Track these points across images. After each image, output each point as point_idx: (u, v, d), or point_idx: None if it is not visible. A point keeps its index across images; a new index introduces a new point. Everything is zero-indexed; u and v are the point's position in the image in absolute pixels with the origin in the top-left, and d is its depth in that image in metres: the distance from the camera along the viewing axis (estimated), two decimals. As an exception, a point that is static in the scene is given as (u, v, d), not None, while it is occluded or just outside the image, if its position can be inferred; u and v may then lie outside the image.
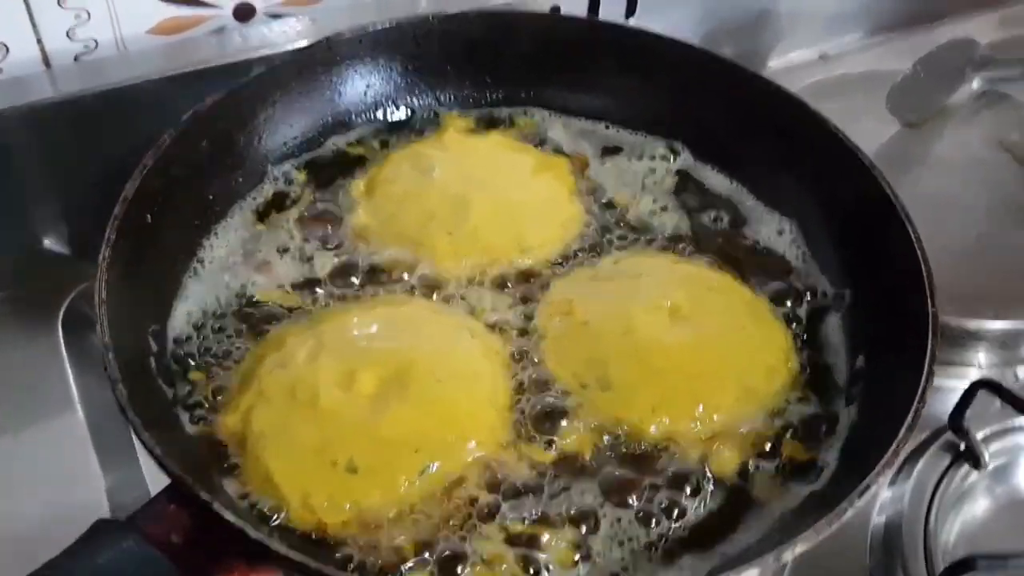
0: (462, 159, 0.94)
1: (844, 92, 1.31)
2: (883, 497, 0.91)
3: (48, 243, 1.02)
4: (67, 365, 0.94)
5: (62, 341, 0.96)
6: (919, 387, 0.68)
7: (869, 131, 1.23)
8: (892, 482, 0.92)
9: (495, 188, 0.92)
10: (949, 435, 0.94)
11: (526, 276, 0.87)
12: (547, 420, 0.76)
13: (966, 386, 0.91)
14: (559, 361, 0.79)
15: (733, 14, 1.32)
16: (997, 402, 0.90)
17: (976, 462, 0.91)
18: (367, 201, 0.91)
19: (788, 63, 1.41)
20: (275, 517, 0.68)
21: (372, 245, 0.88)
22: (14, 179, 0.95)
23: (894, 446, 0.64)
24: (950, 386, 0.96)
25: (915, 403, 0.67)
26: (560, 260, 0.89)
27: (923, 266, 0.77)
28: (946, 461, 0.93)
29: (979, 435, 0.92)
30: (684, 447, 0.75)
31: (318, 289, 0.84)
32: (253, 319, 0.81)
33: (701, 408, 0.76)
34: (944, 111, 1.29)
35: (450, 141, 0.97)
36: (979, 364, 1.04)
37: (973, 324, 1.01)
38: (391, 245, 0.87)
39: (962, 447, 0.92)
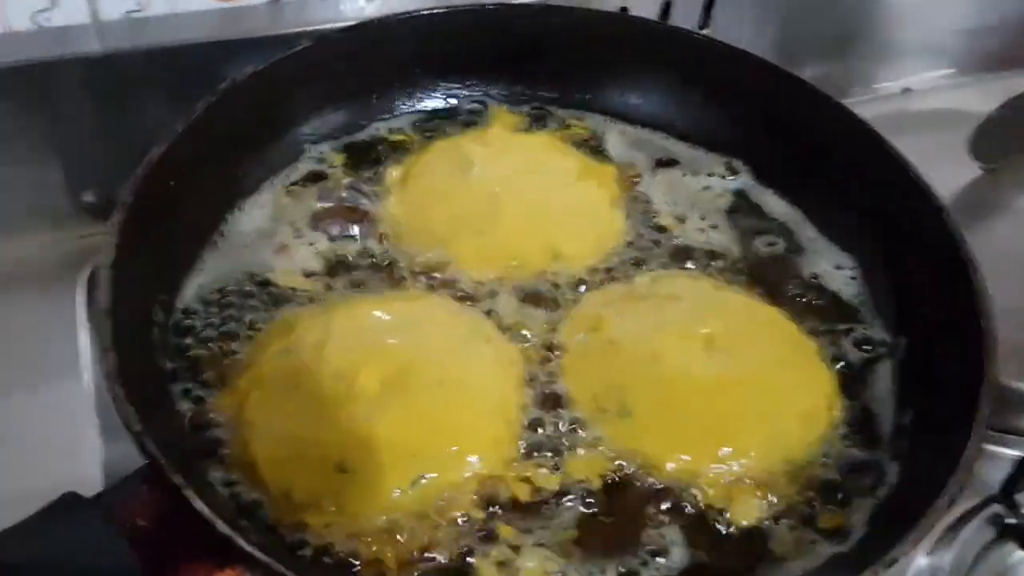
0: (503, 157, 0.90)
1: (924, 129, 1.24)
2: (919, 564, 0.84)
3: (86, 198, 1.00)
4: (80, 330, 0.91)
5: (81, 303, 0.93)
6: (961, 458, 0.61)
7: (946, 172, 1.16)
8: (932, 549, 0.85)
9: (533, 191, 0.87)
10: (998, 506, 0.86)
11: (555, 286, 0.82)
12: (557, 440, 0.71)
13: (1024, 456, 0.84)
14: (579, 379, 0.74)
15: (816, 34, 1.25)
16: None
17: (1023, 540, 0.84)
18: (400, 191, 0.87)
19: (870, 92, 1.33)
20: (256, 511, 0.64)
21: (399, 237, 0.84)
22: (53, 132, 0.94)
23: (926, 518, 0.58)
24: (1008, 455, 0.89)
25: (955, 475, 0.61)
26: (594, 273, 0.83)
27: (987, 325, 0.70)
28: (992, 535, 0.85)
29: (1031, 511, 0.85)
30: (704, 488, 0.69)
31: (337, 277, 0.80)
32: (266, 301, 0.78)
33: (726, 450, 0.70)
34: (1027, 157, 1.20)
35: (494, 137, 0.92)
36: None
37: (1039, 391, 0.93)
38: (418, 239, 0.83)
39: (1010, 521, 0.85)
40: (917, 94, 1.35)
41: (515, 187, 0.87)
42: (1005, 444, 0.93)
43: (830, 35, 1.25)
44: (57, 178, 0.97)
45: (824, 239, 0.88)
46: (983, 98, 1.32)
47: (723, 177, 0.93)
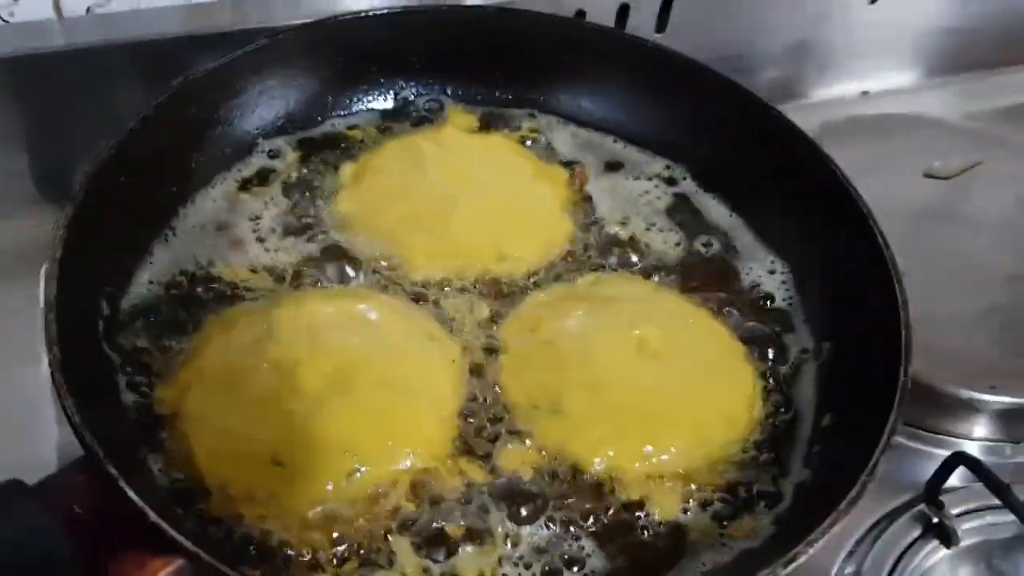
0: (456, 157, 0.92)
1: (881, 133, 1.26)
2: (842, 557, 0.87)
3: (48, 191, 1.02)
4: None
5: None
6: (870, 461, 0.64)
7: (899, 177, 1.20)
8: (856, 544, 0.88)
9: (484, 191, 0.90)
10: (924, 506, 0.89)
11: (500, 285, 0.84)
12: (491, 436, 0.74)
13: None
14: (515, 378, 0.77)
15: (775, 37, 1.27)
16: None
17: (947, 539, 0.87)
18: (353, 188, 0.89)
19: (828, 96, 1.35)
20: (194, 502, 0.67)
21: (349, 233, 0.86)
22: (18, 124, 0.95)
23: (829, 521, 0.61)
24: (938, 455, 0.91)
25: (862, 476, 0.64)
26: (539, 274, 0.86)
27: (903, 333, 0.72)
28: (916, 533, 0.88)
29: (955, 511, 0.88)
30: (626, 484, 0.72)
31: (285, 273, 0.82)
32: (214, 295, 0.80)
33: (649, 448, 0.73)
34: (982, 166, 1.23)
35: (448, 137, 0.94)
36: (973, 437, 0.99)
37: (968, 394, 0.96)
38: (368, 236, 0.86)
39: (934, 520, 0.88)
40: (875, 97, 1.37)
41: (466, 187, 0.90)
42: (936, 445, 0.97)
43: (788, 38, 1.27)
44: (21, 168, 0.99)
45: (760, 244, 0.90)
46: (941, 102, 1.36)
47: (667, 181, 0.95)
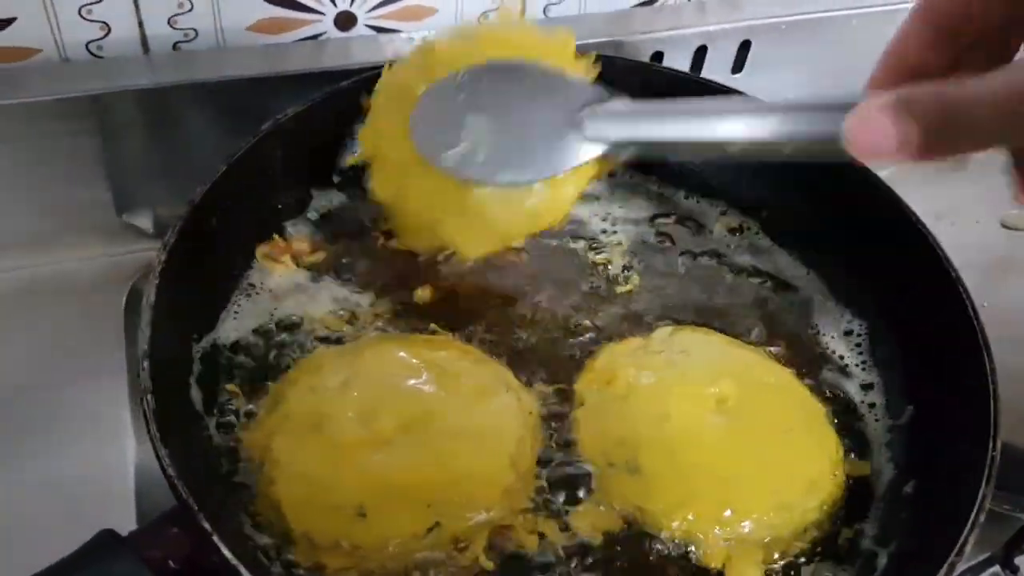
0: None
1: (951, 180, 1.24)
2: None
3: (133, 222, 1.04)
4: (123, 341, 0.95)
5: (123, 317, 0.97)
6: (959, 541, 0.63)
7: (974, 226, 1.17)
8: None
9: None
10: (998, 568, 0.88)
11: (576, 336, 0.85)
12: (567, 494, 0.74)
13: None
14: (590, 434, 0.77)
15: (853, 71, 1.25)
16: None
17: (1020, 604, 0.86)
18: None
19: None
20: (280, 550, 0.68)
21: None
22: (103, 156, 0.98)
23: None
24: (1018, 518, 0.89)
25: (950, 557, 0.63)
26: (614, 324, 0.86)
27: (993, 404, 0.71)
28: (990, 597, 0.87)
29: (1031, 576, 0.87)
30: (704, 550, 0.72)
31: (368, 319, 0.84)
32: (298, 340, 0.81)
33: (729, 513, 0.72)
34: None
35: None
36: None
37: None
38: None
39: (1010, 585, 0.87)
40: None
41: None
42: (1013, 504, 0.94)
43: (866, 78, 1.25)
44: (106, 199, 1.01)
45: (835, 302, 0.90)
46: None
47: (738, 233, 0.95)
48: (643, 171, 0.99)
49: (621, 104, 0.69)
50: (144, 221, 1.03)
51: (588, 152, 0.69)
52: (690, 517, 0.72)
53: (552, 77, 0.72)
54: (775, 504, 0.73)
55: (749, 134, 0.60)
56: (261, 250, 0.86)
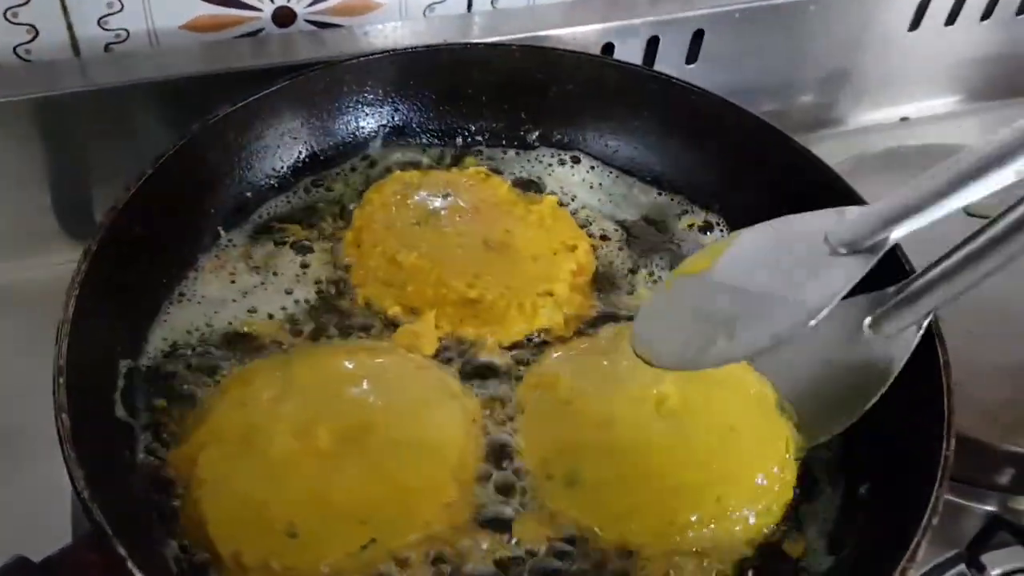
0: (478, 209, 0.89)
1: (921, 162, 1.22)
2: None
3: (71, 227, 1.00)
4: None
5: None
6: (911, 544, 0.61)
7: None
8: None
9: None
10: (964, 567, 0.86)
11: (523, 338, 0.82)
12: (509, 503, 0.71)
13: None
14: (531, 441, 0.74)
15: (811, 64, 1.23)
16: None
17: (987, 603, 0.84)
18: (366, 235, 0.86)
19: (867, 122, 1.31)
20: (205, 572, 0.65)
21: (369, 286, 0.83)
22: (39, 162, 0.94)
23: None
24: (980, 510, 0.90)
25: (902, 562, 0.60)
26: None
27: (946, 404, 0.69)
28: (956, 595, 0.85)
29: (995, 572, 0.85)
30: (645, 560, 0.69)
31: (304, 325, 0.80)
32: (231, 350, 0.78)
33: (670, 524, 0.69)
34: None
35: (470, 179, 0.92)
36: (1017, 490, 0.95)
37: (1013, 448, 0.92)
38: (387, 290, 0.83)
39: (975, 583, 0.85)
40: (915, 123, 1.33)
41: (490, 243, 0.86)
42: (975, 498, 0.93)
43: (825, 65, 1.23)
44: (44, 205, 0.98)
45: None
46: (983, 129, 1.31)
47: (699, 229, 0.92)
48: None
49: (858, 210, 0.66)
50: (85, 228, 1.00)
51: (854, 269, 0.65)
52: (631, 528, 0.69)
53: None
54: (718, 511, 0.70)
55: None
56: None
